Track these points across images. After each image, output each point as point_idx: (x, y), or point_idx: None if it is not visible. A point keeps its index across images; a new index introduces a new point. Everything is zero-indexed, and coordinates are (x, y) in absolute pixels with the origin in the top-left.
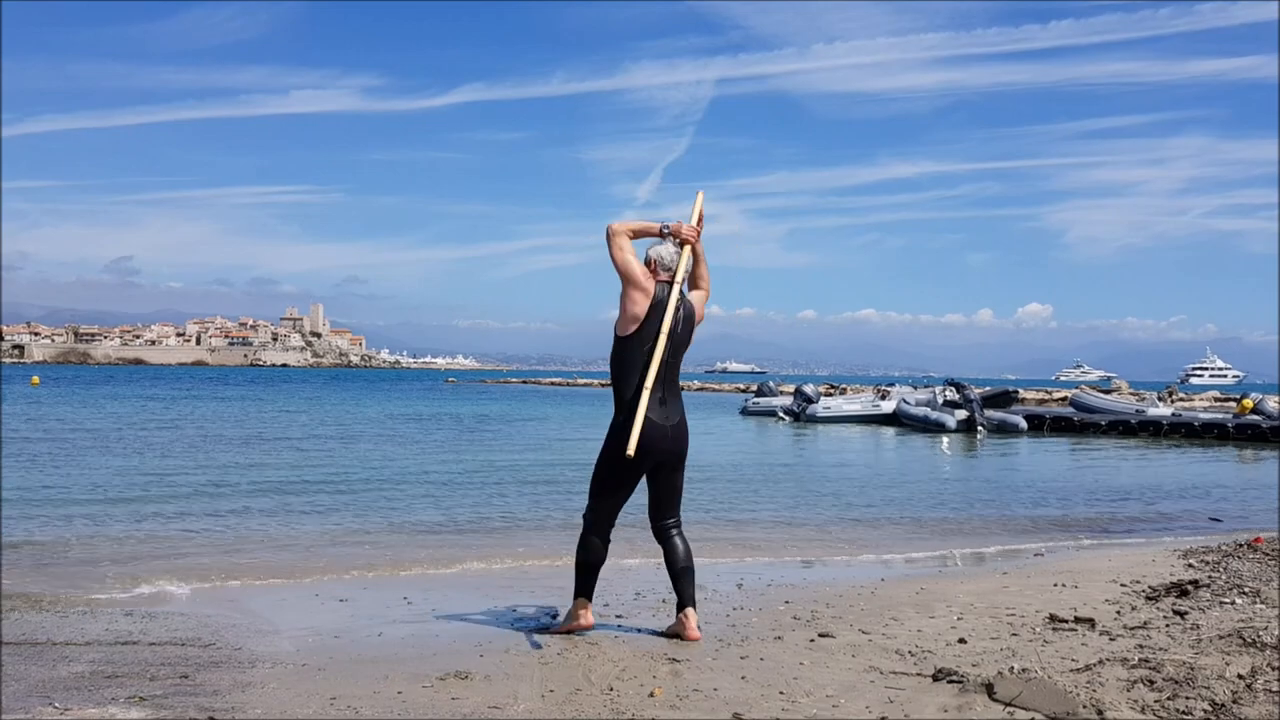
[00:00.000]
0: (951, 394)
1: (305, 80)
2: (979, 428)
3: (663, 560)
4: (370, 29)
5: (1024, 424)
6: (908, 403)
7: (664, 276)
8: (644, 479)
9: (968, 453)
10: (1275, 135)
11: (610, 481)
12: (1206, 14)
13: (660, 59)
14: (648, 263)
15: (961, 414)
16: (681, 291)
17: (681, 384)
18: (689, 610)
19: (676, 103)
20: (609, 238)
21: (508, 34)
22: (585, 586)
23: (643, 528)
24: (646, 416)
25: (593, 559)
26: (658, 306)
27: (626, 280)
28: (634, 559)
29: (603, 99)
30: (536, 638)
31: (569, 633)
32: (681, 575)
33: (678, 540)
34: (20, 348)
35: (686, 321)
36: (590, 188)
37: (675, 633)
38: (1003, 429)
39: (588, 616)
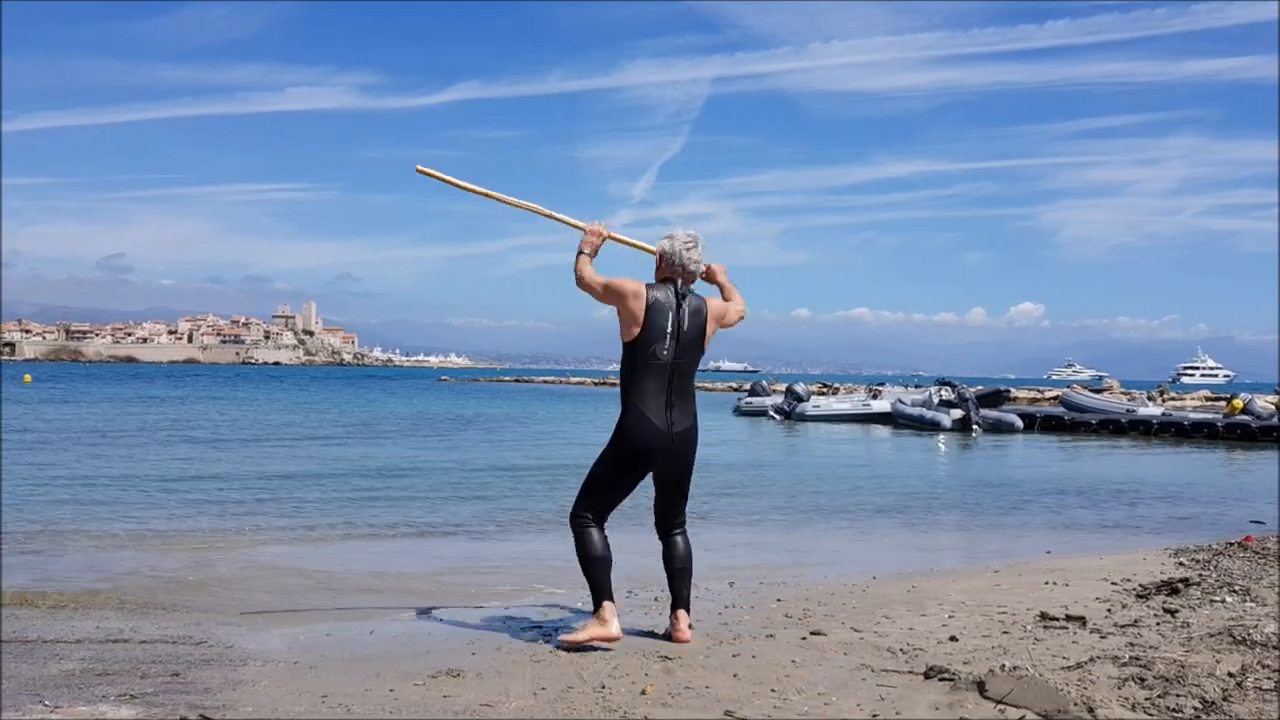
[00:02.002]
0: (946, 393)
1: (301, 78)
2: (974, 427)
3: (660, 558)
4: (369, 28)
5: (1019, 423)
6: (903, 402)
7: (670, 273)
8: (655, 484)
9: (963, 452)
10: (1270, 135)
11: (604, 481)
12: (1202, 14)
13: (657, 57)
14: (660, 258)
15: (957, 413)
16: (689, 289)
17: None
18: (680, 612)
19: (672, 101)
20: (577, 280)
21: (504, 32)
22: (604, 587)
23: (636, 528)
24: (647, 418)
25: (603, 553)
26: (657, 307)
27: (607, 291)
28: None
29: (598, 97)
30: (537, 644)
31: (588, 644)
32: (677, 575)
33: (679, 540)
34: (11, 345)
35: (694, 317)
36: (586, 186)
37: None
38: (998, 428)
39: (614, 625)
